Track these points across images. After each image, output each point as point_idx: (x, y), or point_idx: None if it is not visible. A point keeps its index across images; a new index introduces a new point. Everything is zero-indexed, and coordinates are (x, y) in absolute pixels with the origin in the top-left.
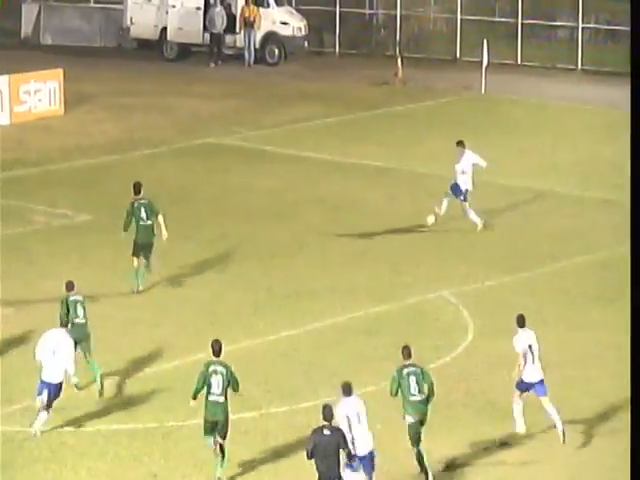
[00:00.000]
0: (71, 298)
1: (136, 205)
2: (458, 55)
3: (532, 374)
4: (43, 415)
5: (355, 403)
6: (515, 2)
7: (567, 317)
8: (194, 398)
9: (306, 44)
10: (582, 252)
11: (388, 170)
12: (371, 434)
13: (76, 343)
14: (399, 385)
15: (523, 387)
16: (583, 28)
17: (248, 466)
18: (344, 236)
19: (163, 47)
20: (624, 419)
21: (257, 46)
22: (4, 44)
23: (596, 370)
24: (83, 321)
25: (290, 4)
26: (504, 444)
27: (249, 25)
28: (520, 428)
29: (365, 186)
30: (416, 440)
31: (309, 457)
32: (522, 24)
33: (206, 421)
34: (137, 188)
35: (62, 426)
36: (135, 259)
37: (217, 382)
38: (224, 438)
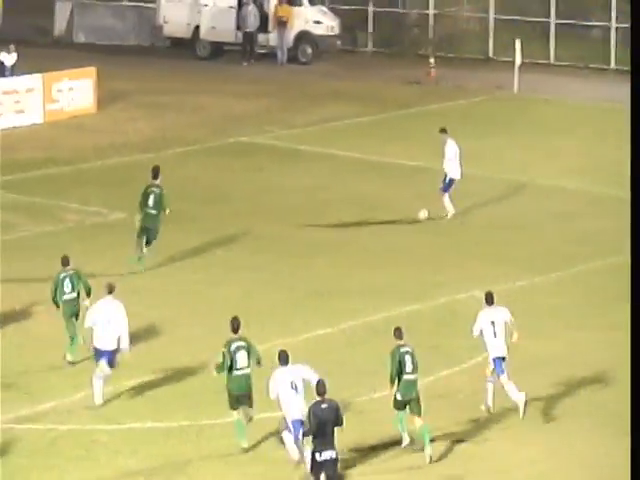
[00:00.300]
0: (62, 274)
1: (148, 191)
2: (491, 54)
3: (495, 349)
4: (101, 380)
5: (292, 372)
6: (548, 1)
7: (599, 317)
8: (217, 373)
9: (339, 43)
10: (615, 252)
11: (420, 169)
12: (304, 402)
13: (71, 316)
14: (397, 364)
15: (498, 365)
16: (617, 28)
17: (279, 464)
18: (376, 235)
19: (196, 46)
20: None
21: (290, 45)
22: (37, 43)
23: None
24: (73, 295)
25: (323, 3)
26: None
27: (282, 24)
28: (521, 400)
29: (397, 185)
30: (398, 408)
31: (313, 432)
32: (555, 23)
33: (231, 395)
34: (155, 172)
35: (95, 424)
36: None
37: (242, 357)
38: (251, 406)
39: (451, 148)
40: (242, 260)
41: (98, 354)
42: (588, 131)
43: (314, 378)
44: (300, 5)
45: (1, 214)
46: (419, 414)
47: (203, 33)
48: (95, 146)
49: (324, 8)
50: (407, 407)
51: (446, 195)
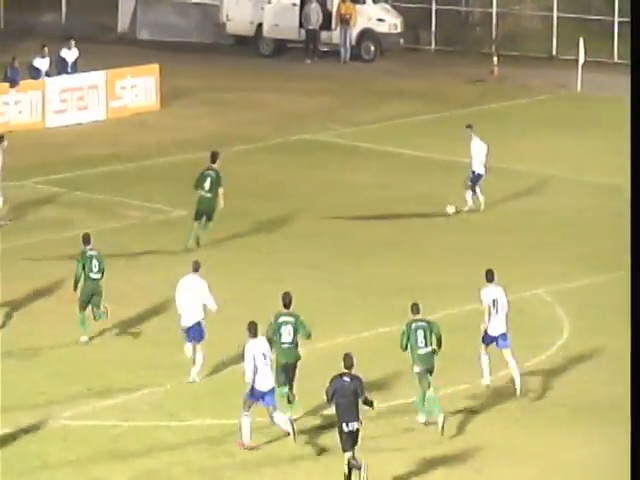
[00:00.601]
0: (87, 253)
1: (205, 174)
2: (554, 53)
3: (495, 327)
4: (199, 359)
5: (261, 344)
6: None
7: None
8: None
9: (402, 41)
10: None
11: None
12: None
13: (91, 297)
14: (408, 339)
15: (488, 340)
16: None
17: (339, 462)
18: (438, 233)
19: (259, 43)
20: None
21: (353, 43)
22: (101, 39)
23: None
24: (98, 276)
25: (386, 1)
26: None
27: (345, 22)
28: (485, 380)
29: (460, 183)
30: (425, 386)
31: (329, 401)
32: (618, 21)
33: (278, 367)
34: (213, 156)
35: (157, 421)
36: (195, 223)
37: (287, 331)
38: (292, 382)
39: (476, 144)
40: (301, 257)
41: (187, 332)
42: None
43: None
44: (363, 3)
45: (64, 211)
46: (429, 386)
47: (266, 31)
48: (158, 143)
49: (387, 6)
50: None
51: (470, 190)
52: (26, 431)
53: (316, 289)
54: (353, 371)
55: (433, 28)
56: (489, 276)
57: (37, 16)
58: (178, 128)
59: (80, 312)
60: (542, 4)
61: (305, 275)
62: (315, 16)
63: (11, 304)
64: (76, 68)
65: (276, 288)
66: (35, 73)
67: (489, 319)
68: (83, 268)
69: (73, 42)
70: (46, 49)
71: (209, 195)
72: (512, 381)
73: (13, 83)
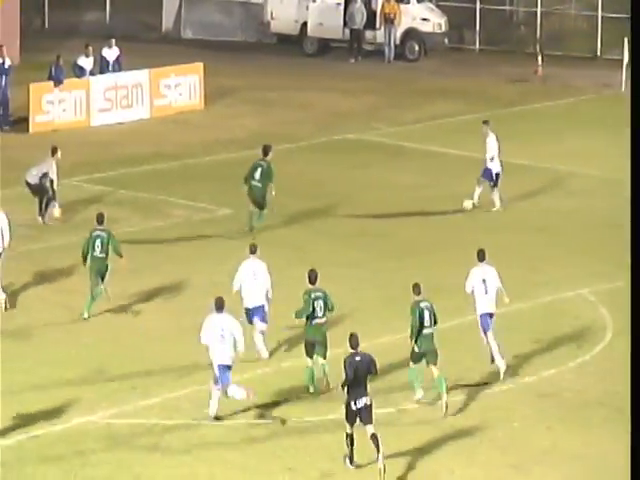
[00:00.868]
0: (94, 233)
1: (256, 164)
2: (598, 53)
3: (485, 305)
4: (261, 336)
5: (223, 320)
6: None
7: None
8: (298, 318)
9: (446, 40)
10: None
11: (527, 168)
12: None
13: (97, 274)
14: (419, 318)
15: (485, 323)
16: None
17: (384, 461)
18: (482, 233)
19: (303, 42)
20: None
21: (397, 42)
22: (145, 38)
23: None
24: (102, 255)
25: (430, 0)
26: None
27: (389, 21)
28: (501, 365)
29: (504, 184)
30: (415, 361)
31: (348, 382)
32: None
33: (307, 343)
34: (265, 150)
35: (200, 419)
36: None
37: (319, 306)
38: (325, 358)
39: (492, 141)
40: (344, 257)
41: (249, 314)
42: None
43: (240, 336)
44: (408, 2)
45: (108, 209)
46: (435, 364)
47: (310, 30)
48: (202, 142)
49: (431, 5)
50: (424, 359)
51: (480, 187)
52: (68, 429)
53: (358, 289)
54: (359, 350)
55: (477, 28)
56: (480, 255)
57: (81, 15)
58: (222, 127)
59: (93, 288)
60: (587, 4)
61: (347, 274)
62: (359, 15)
63: (58, 301)
64: (119, 67)
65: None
66: (79, 72)
67: (478, 298)
68: (88, 246)
69: (113, 41)
70: (90, 48)
71: (259, 185)
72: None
73: (57, 82)
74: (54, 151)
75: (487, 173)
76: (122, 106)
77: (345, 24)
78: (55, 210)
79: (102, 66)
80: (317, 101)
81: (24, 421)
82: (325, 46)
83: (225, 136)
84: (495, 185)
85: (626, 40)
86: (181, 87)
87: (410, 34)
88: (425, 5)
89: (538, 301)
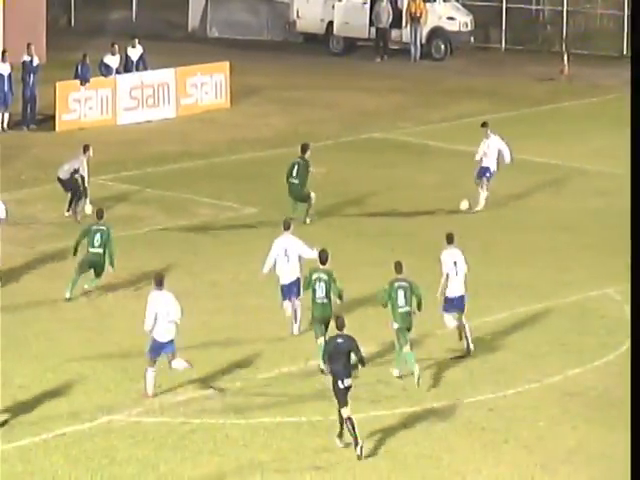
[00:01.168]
0: (93, 227)
1: (294, 162)
2: (625, 52)
3: (455, 289)
4: (299, 314)
5: (164, 297)
6: None
7: None
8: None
9: (472, 39)
10: None
11: (554, 167)
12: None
13: (90, 268)
14: (389, 297)
15: (448, 306)
16: None
17: (411, 460)
18: (509, 232)
19: (329, 41)
20: None
21: (423, 41)
22: (171, 37)
23: None
24: (99, 250)
25: None
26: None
27: (415, 20)
28: (468, 346)
29: (530, 182)
30: (402, 342)
31: (325, 362)
32: None
33: (315, 319)
34: (303, 148)
35: (226, 418)
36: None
37: (320, 288)
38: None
39: (495, 142)
40: (369, 255)
41: (284, 291)
42: None
43: (176, 312)
44: (434, 1)
45: (134, 208)
46: (406, 342)
47: (336, 29)
48: (228, 141)
49: (457, 4)
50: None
51: (485, 185)
52: (94, 428)
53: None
54: (344, 331)
55: (503, 26)
56: (449, 239)
57: (108, 14)
58: (248, 126)
59: (75, 275)
60: (613, 3)
61: (373, 273)
62: (385, 14)
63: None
64: (145, 65)
65: (345, 287)
66: (105, 70)
67: (447, 282)
68: (87, 240)
69: (137, 40)
70: (116, 46)
71: (296, 182)
72: (465, 342)
73: (84, 80)
74: (86, 148)
75: (483, 171)
76: (148, 105)
77: (371, 23)
78: (87, 207)
79: (127, 65)
80: (343, 100)
81: (50, 419)
82: (351, 45)
83: (251, 135)
84: (488, 180)
85: None
86: (207, 86)
87: (436, 33)
88: (451, 4)
89: (564, 300)
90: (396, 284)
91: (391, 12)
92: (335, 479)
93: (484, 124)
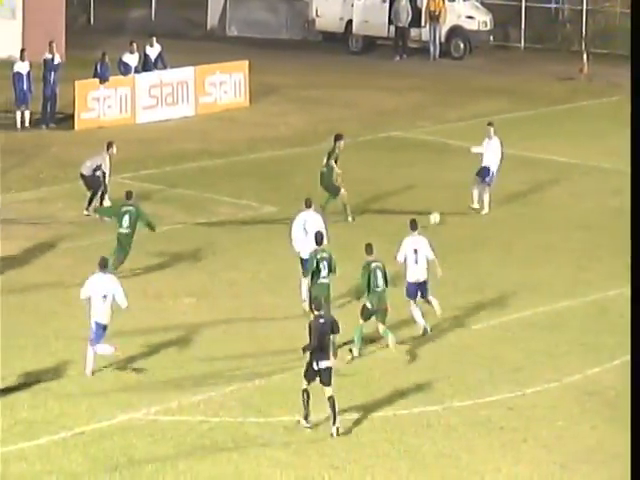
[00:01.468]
0: (122, 208)
1: (328, 150)
2: None
3: (416, 274)
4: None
5: (104, 280)
6: None
7: None
8: (307, 277)
9: (491, 38)
10: None
11: (572, 166)
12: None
13: (124, 246)
14: (368, 279)
15: (412, 290)
16: None
17: (430, 459)
18: (528, 231)
19: (348, 40)
20: None
21: (442, 40)
22: (190, 36)
23: None
24: (127, 231)
25: None
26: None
27: (434, 19)
28: (424, 327)
29: (549, 181)
30: (365, 318)
31: (312, 346)
32: None
33: (316, 298)
34: (336, 139)
35: (245, 417)
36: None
37: (324, 266)
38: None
39: (496, 143)
40: (388, 254)
41: (304, 264)
42: None
43: (120, 295)
44: (453, 0)
45: (153, 206)
46: (384, 322)
47: (356, 27)
48: (247, 139)
49: (477, 3)
50: (373, 317)
51: (487, 188)
52: (113, 426)
53: (402, 286)
54: (322, 312)
55: (523, 25)
56: (412, 225)
57: (127, 12)
58: (267, 124)
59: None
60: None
61: (392, 272)
62: (405, 13)
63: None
64: (164, 63)
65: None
66: (124, 69)
67: (407, 268)
68: (117, 221)
69: (154, 39)
70: (135, 45)
71: (324, 169)
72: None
73: (103, 79)
74: (109, 146)
75: (484, 172)
76: (167, 103)
77: (390, 22)
78: (105, 203)
79: (146, 64)
80: (362, 99)
81: (69, 417)
82: (370, 44)
83: (270, 134)
84: (489, 184)
85: None
86: (226, 85)
87: (455, 32)
88: (470, 3)
89: (583, 299)
90: (373, 264)
91: (410, 11)
92: (353, 478)
93: (490, 124)
